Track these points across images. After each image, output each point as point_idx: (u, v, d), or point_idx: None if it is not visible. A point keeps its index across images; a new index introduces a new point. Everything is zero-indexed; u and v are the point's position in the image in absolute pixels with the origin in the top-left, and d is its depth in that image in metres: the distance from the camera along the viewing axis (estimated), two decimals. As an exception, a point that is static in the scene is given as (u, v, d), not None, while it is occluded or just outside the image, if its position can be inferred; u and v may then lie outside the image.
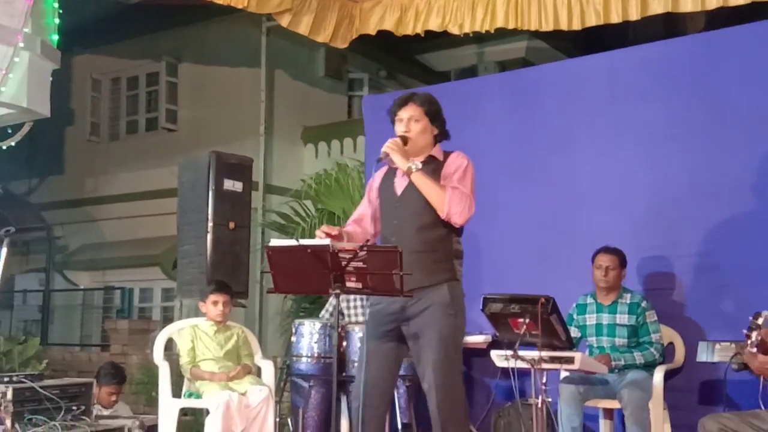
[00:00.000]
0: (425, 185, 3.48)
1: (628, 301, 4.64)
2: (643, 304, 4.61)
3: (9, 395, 4.24)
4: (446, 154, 3.65)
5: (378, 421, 3.55)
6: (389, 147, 3.52)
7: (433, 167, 3.58)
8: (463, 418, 3.51)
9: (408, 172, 3.51)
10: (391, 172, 3.68)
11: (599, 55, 5.51)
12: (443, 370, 3.43)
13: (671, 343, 4.75)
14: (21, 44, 6.38)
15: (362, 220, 3.77)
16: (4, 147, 7.40)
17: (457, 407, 3.48)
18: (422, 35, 6.40)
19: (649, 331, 4.57)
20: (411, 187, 3.54)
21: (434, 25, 6.26)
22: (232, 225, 5.13)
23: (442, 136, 3.70)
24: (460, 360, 3.58)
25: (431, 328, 3.45)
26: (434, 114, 3.65)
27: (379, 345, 3.56)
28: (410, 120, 3.60)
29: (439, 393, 3.43)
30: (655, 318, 4.60)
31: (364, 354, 3.53)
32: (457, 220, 3.47)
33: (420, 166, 3.50)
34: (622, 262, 4.67)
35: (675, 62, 5.11)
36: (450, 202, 3.44)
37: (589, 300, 4.76)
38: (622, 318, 4.61)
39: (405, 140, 3.58)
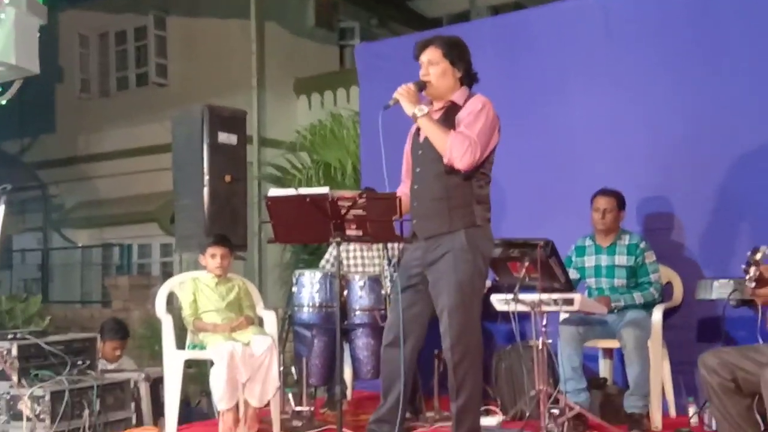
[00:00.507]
0: (429, 129, 3.46)
1: (626, 243, 4.65)
2: (642, 244, 4.62)
3: (14, 352, 4.27)
4: (468, 98, 3.58)
5: (398, 360, 3.59)
6: (398, 92, 3.49)
7: (451, 113, 3.55)
8: (476, 362, 3.56)
9: (414, 118, 3.48)
10: None
11: (594, -5, 5.43)
12: (458, 315, 3.48)
13: (669, 282, 4.78)
14: (6, 0, 6.26)
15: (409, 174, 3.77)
16: (-5, 106, 7.32)
17: (471, 351, 3.52)
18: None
19: (648, 272, 4.59)
20: None
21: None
22: (228, 178, 5.10)
23: (469, 79, 3.63)
24: (478, 304, 3.60)
25: (448, 274, 3.48)
26: (456, 56, 3.58)
27: (406, 289, 3.62)
28: (429, 63, 3.56)
29: (453, 336, 3.49)
30: (654, 258, 4.62)
31: (394, 299, 3.60)
32: (458, 164, 3.43)
33: (425, 110, 3.46)
34: (620, 203, 4.66)
35: (672, 3, 5.03)
36: (451, 147, 3.41)
37: (588, 242, 4.77)
38: (621, 259, 4.63)
39: (424, 85, 3.55)
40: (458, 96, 3.60)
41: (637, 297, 4.53)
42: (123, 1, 12.40)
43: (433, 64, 3.55)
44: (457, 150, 3.41)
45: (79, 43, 13.33)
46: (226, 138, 5.11)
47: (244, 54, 11.21)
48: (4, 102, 7.38)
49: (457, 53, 3.59)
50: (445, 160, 3.45)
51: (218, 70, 11.35)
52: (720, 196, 4.79)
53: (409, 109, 3.48)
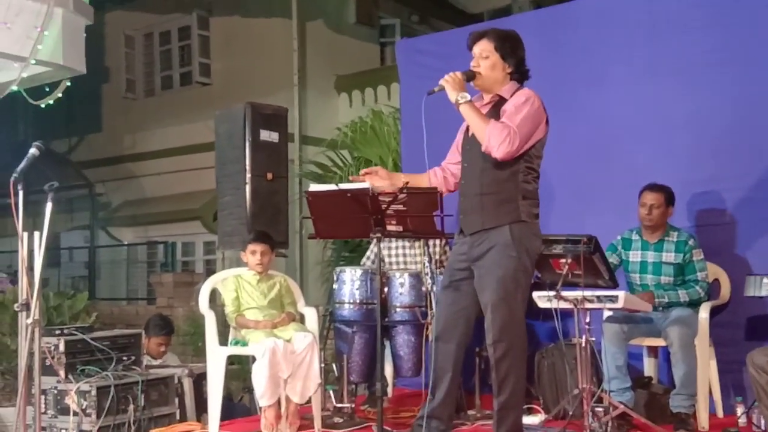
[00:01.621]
0: (470, 117, 3.46)
1: (674, 239, 4.55)
2: (690, 242, 4.52)
3: (61, 347, 4.35)
4: (516, 92, 3.57)
5: (447, 355, 3.62)
6: (445, 79, 3.49)
7: (498, 106, 3.54)
8: (520, 359, 3.53)
9: (456, 104, 3.47)
10: None
11: (637, -14, 5.34)
12: (501, 310, 3.46)
13: (716, 280, 4.68)
14: (54, 1, 6.38)
15: (449, 164, 3.82)
16: (43, 105, 7.48)
17: (514, 347, 3.49)
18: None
19: (696, 270, 4.49)
20: None
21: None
22: (269, 175, 5.13)
23: (519, 74, 3.61)
24: (523, 300, 3.57)
25: (491, 269, 3.47)
26: (507, 50, 3.57)
27: (450, 284, 3.64)
28: (480, 56, 3.56)
29: (495, 332, 3.46)
30: (702, 256, 4.51)
31: (440, 293, 3.62)
32: (495, 153, 3.42)
33: (468, 97, 3.46)
34: (669, 199, 4.55)
35: (716, -9, 4.95)
36: (489, 135, 3.40)
37: (635, 236, 4.66)
38: (669, 256, 4.53)
39: (473, 75, 3.55)
40: (506, 90, 3.59)
41: (682, 294, 4.44)
42: (167, 2, 12.56)
43: (484, 57, 3.55)
44: (495, 138, 3.39)
45: (124, 43, 13.53)
46: (267, 135, 5.14)
47: (285, 52, 11.27)
48: (52, 102, 7.55)
49: (509, 47, 3.57)
50: (483, 148, 3.44)
51: (260, 69, 11.43)
52: (768, 188, 4.68)
53: (452, 95, 3.48)
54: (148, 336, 5.57)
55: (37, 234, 3.46)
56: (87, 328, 4.77)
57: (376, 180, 3.51)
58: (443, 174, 3.80)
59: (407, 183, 3.30)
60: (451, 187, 3.78)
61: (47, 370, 4.20)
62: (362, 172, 3.51)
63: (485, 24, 7.05)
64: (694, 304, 4.45)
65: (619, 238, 4.72)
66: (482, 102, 3.65)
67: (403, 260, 5.26)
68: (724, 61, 4.84)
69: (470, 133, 3.60)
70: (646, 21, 5.17)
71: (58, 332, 4.49)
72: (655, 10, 5.14)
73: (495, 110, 3.55)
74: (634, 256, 4.64)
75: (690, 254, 4.50)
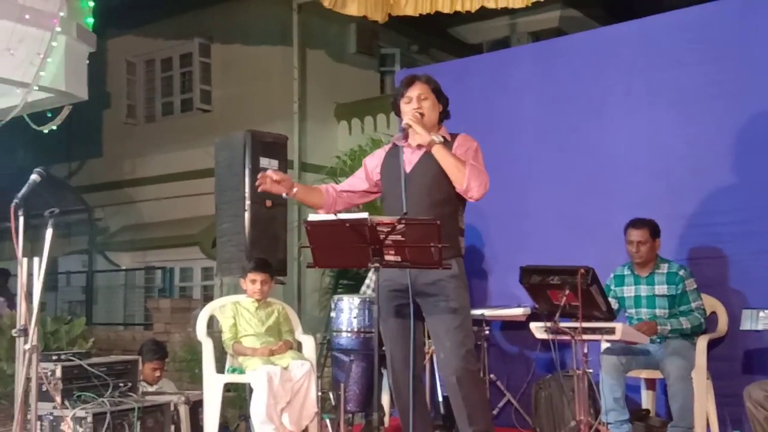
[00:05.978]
0: (446, 158, 3.52)
1: (665, 271, 4.57)
2: (681, 272, 4.54)
3: (58, 373, 4.33)
4: (453, 136, 3.69)
5: (407, 386, 3.60)
6: (411, 119, 3.56)
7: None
8: (482, 383, 3.70)
9: (430, 145, 3.53)
10: (395, 150, 3.70)
11: (634, 21, 5.40)
12: (458, 338, 3.51)
13: (714, 313, 4.69)
14: (57, 28, 6.45)
15: (352, 191, 3.84)
16: (46, 131, 7.52)
17: (475, 373, 3.57)
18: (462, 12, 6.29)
19: (690, 300, 4.50)
20: (421, 164, 3.59)
21: (468, 5, 6.15)
22: (269, 203, 5.17)
23: (444, 114, 3.76)
24: (472, 329, 3.70)
25: (445, 300, 3.52)
26: (439, 92, 3.72)
27: (394, 319, 3.64)
28: (419, 98, 3.65)
29: (459, 363, 3.49)
30: (695, 286, 4.53)
31: (384, 331, 3.64)
32: (474, 194, 3.52)
33: (442, 139, 3.56)
34: (654, 233, 4.57)
35: (711, 26, 4.99)
36: (470, 177, 3.49)
37: (626, 271, 4.70)
38: (661, 289, 4.55)
39: (420, 117, 3.63)
40: (443, 131, 3.70)
41: (684, 321, 4.44)
42: (169, 29, 12.64)
43: (424, 98, 3.66)
44: (476, 180, 3.50)
45: (126, 69, 13.61)
46: (267, 163, 5.18)
47: (286, 80, 11.34)
48: (55, 127, 7.60)
49: (439, 89, 3.72)
50: (462, 188, 3.51)
51: (261, 96, 11.49)
52: (765, 221, 4.69)
53: (424, 137, 3.53)
54: (143, 361, 5.55)
55: (36, 259, 3.47)
56: (84, 354, 4.75)
57: (269, 184, 3.52)
58: (336, 197, 3.81)
59: (405, 213, 3.29)
60: (335, 210, 3.75)
61: (44, 396, 4.18)
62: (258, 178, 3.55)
63: (485, 55, 7.14)
64: (694, 334, 4.45)
65: (611, 276, 4.74)
66: (414, 143, 3.66)
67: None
68: (718, 97, 4.89)
69: (408, 168, 3.61)
70: (643, 56, 5.23)
71: (55, 358, 4.47)
72: (652, 46, 5.20)
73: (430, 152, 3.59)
74: (628, 291, 4.66)
75: (683, 285, 4.52)
